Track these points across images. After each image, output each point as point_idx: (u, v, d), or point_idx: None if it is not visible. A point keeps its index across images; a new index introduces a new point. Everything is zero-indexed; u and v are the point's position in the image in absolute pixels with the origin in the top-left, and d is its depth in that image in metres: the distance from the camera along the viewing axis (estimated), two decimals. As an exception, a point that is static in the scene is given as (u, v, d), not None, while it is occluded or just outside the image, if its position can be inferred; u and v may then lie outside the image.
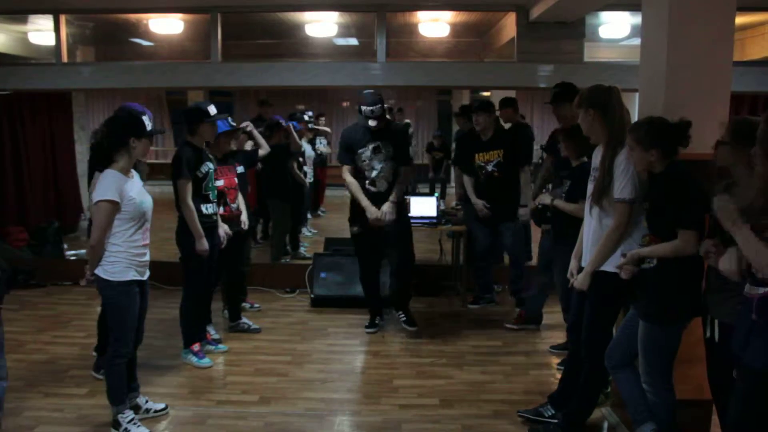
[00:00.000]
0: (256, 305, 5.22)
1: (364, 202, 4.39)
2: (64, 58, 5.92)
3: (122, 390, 3.12)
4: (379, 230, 4.40)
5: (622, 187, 2.72)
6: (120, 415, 3.10)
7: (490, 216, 4.99)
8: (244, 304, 5.12)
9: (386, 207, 4.37)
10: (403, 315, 4.65)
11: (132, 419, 3.12)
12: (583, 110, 2.86)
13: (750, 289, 1.99)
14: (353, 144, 4.43)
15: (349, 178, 4.47)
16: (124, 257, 2.98)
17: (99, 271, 2.97)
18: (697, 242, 2.43)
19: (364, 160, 4.39)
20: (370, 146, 4.38)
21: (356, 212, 4.49)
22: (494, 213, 4.97)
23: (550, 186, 4.33)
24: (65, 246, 6.52)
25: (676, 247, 2.48)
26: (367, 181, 4.41)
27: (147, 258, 3.12)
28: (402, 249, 4.55)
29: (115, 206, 2.91)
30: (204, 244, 3.82)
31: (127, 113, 3.07)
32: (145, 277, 3.14)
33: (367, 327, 4.72)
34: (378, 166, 4.39)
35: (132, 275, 3.01)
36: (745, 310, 2.00)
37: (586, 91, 2.90)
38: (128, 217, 2.97)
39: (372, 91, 4.43)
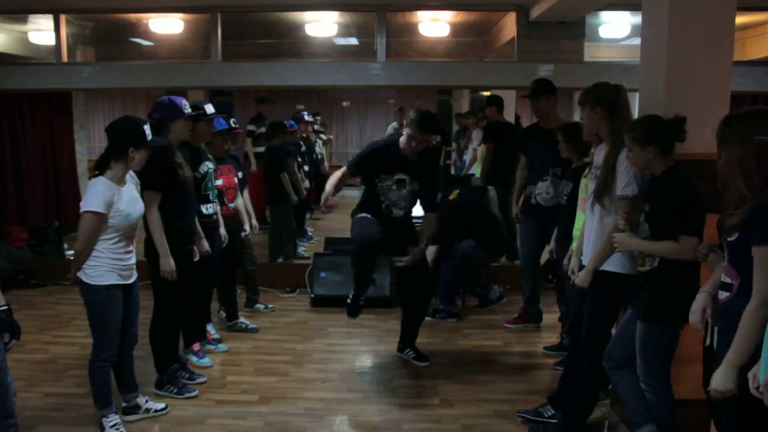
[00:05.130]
0: (270, 306, 5.22)
1: (329, 185, 3.84)
2: (64, 58, 5.91)
3: (106, 393, 3.11)
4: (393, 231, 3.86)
5: (624, 185, 2.72)
6: (104, 419, 3.10)
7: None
8: (258, 305, 5.14)
9: (415, 254, 3.91)
10: (411, 352, 4.16)
11: (115, 424, 3.10)
12: (589, 108, 2.85)
13: (720, 294, 2.06)
14: (377, 166, 3.86)
15: (336, 174, 3.89)
16: (105, 262, 2.96)
17: (80, 274, 2.96)
18: (695, 250, 2.43)
19: (384, 187, 3.87)
20: (395, 177, 3.84)
21: (365, 208, 3.94)
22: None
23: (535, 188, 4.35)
24: (65, 246, 6.51)
25: (677, 251, 2.47)
26: (383, 205, 3.91)
27: (131, 261, 3.09)
28: (420, 276, 4.03)
29: (100, 218, 2.88)
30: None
31: (129, 122, 3.03)
32: (131, 281, 3.11)
33: (348, 311, 3.98)
34: (394, 197, 3.88)
35: (113, 279, 2.99)
36: (717, 314, 2.03)
37: (592, 89, 2.89)
38: (114, 228, 2.95)
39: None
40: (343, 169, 3.95)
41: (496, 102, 5.38)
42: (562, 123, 4.25)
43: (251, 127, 7.47)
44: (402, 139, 3.83)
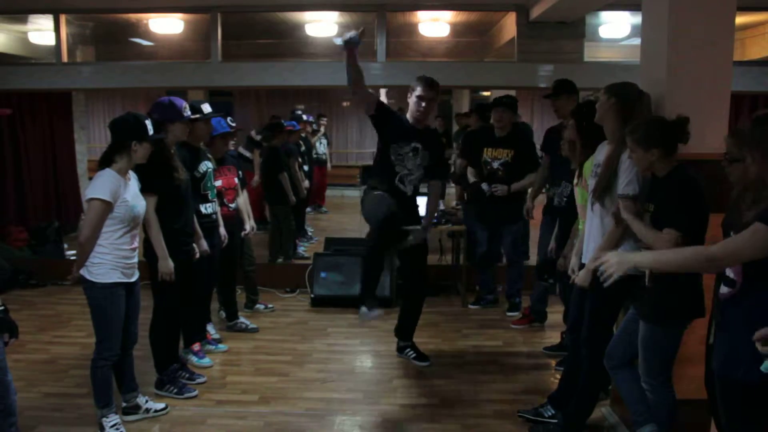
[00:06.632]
0: (270, 306, 5.22)
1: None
2: (64, 58, 5.91)
3: (107, 393, 3.11)
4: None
5: (626, 183, 2.72)
6: (104, 419, 3.10)
7: (492, 217, 4.99)
8: (258, 306, 5.14)
9: (421, 232, 3.94)
10: (412, 351, 4.16)
11: (115, 424, 3.10)
12: (606, 97, 2.83)
13: (722, 289, 2.05)
14: (394, 127, 3.88)
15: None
16: (109, 259, 2.96)
17: (83, 272, 2.96)
18: (676, 244, 2.42)
19: (401, 155, 3.89)
20: (412, 144, 3.89)
21: (378, 180, 3.88)
22: (495, 214, 4.97)
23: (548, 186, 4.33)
24: (65, 246, 6.52)
25: (655, 240, 2.49)
26: (396, 178, 3.90)
27: (134, 260, 3.10)
28: (418, 270, 4.08)
29: (107, 206, 2.90)
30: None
31: (131, 116, 3.06)
32: (133, 279, 3.11)
33: (364, 308, 3.56)
34: (410, 166, 3.91)
35: (117, 277, 2.99)
36: (717, 311, 2.03)
37: (619, 83, 2.86)
38: (119, 219, 2.96)
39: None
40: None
41: (477, 110, 5.48)
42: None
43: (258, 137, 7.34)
44: (410, 109, 3.92)
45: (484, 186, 4.92)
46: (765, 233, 1.80)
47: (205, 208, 3.92)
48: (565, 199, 3.71)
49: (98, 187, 2.91)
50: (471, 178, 5.15)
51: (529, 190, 4.87)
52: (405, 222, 3.85)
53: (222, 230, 4.14)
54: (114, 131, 3.02)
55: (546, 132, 4.76)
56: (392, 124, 3.90)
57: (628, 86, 2.84)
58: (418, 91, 3.84)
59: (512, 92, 6.65)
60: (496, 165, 4.90)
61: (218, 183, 4.16)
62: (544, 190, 4.80)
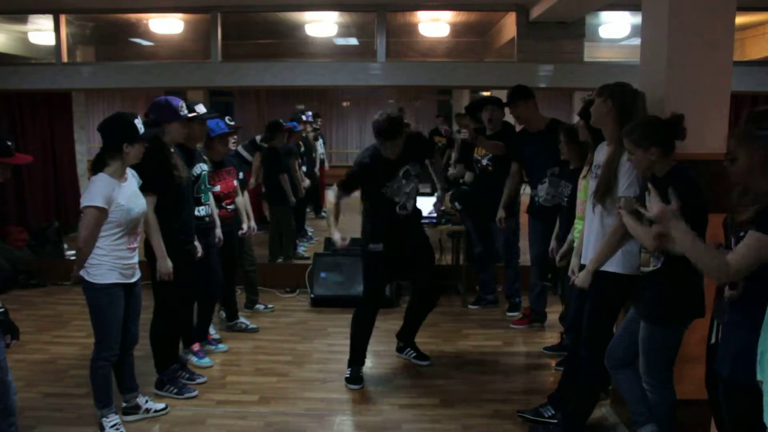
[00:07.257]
0: (270, 306, 5.22)
1: (334, 229, 3.76)
2: (64, 58, 5.92)
3: (107, 393, 3.11)
4: (402, 253, 3.83)
5: (627, 185, 2.72)
6: (104, 419, 3.10)
7: (483, 212, 5.02)
8: (258, 306, 5.13)
9: (436, 203, 4.21)
10: (412, 351, 4.15)
11: (115, 424, 3.10)
12: (602, 99, 2.83)
13: (727, 291, 2.05)
14: (375, 179, 3.72)
15: (333, 200, 3.76)
16: (107, 260, 2.96)
17: (83, 273, 2.96)
18: (660, 240, 2.43)
19: (397, 187, 3.76)
20: (400, 173, 3.75)
21: (379, 228, 3.80)
22: (486, 211, 4.98)
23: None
24: (65, 246, 6.52)
25: (644, 235, 2.49)
26: (397, 207, 3.79)
27: (134, 261, 3.10)
28: (426, 280, 4.07)
29: (102, 212, 2.90)
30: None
31: (119, 118, 3.04)
32: (133, 280, 3.11)
33: (350, 381, 3.79)
34: (408, 189, 3.81)
35: (115, 278, 2.99)
36: (723, 313, 2.03)
37: (614, 84, 2.86)
38: (115, 223, 2.95)
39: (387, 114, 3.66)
40: (334, 191, 3.77)
41: (468, 111, 5.56)
42: (565, 125, 4.24)
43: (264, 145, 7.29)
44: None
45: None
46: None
47: (198, 211, 3.82)
48: (566, 198, 3.71)
49: (92, 194, 2.90)
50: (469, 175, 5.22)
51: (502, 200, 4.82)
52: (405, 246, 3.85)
53: (218, 231, 4.12)
54: (104, 134, 3.00)
55: (514, 139, 4.77)
56: (372, 177, 3.72)
57: (622, 87, 2.84)
58: (377, 142, 3.69)
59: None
60: (485, 162, 4.97)
61: (217, 188, 4.13)
62: (525, 191, 4.82)
